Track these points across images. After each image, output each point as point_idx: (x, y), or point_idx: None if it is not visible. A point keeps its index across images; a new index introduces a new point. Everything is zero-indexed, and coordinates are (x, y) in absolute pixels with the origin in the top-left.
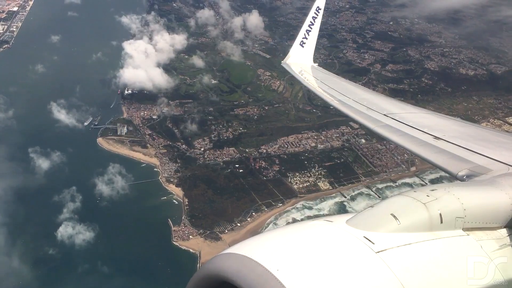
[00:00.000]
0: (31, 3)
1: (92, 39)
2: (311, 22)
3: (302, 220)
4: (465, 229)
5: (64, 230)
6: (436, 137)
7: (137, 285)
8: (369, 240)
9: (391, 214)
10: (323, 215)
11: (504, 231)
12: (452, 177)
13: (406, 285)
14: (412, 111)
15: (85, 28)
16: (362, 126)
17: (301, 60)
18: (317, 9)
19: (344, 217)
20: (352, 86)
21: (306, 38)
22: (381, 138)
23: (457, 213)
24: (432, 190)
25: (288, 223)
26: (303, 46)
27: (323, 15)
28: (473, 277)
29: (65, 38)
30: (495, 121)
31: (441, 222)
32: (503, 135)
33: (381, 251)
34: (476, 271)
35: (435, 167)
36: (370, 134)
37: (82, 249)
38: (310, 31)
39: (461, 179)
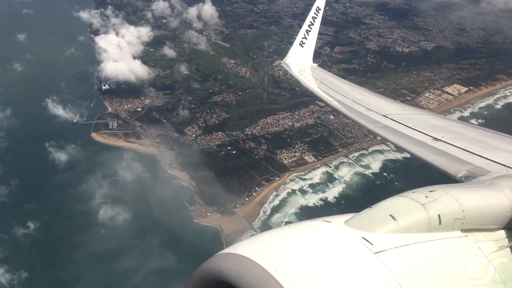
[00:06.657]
0: None
1: (58, 35)
2: (311, 22)
3: (299, 190)
4: (464, 231)
5: (105, 213)
6: (435, 139)
7: (178, 258)
8: (368, 241)
9: (390, 215)
10: (316, 184)
11: (502, 233)
12: (451, 179)
13: (404, 285)
14: (410, 112)
15: (46, 25)
16: (361, 127)
17: (300, 60)
18: (317, 9)
19: (342, 218)
20: (351, 87)
21: (306, 38)
22: None
23: (456, 214)
24: (431, 191)
25: (287, 223)
26: (302, 46)
27: (262, 4)
28: (472, 277)
29: (30, 36)
30: (435, 92)
31: (440, 223)
32: (501, 137)
33: (380, 252)
34: (474, 272)
35: (434, 168)
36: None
37: (125, 228)
38: (310, 31)
39: (460, 180)
